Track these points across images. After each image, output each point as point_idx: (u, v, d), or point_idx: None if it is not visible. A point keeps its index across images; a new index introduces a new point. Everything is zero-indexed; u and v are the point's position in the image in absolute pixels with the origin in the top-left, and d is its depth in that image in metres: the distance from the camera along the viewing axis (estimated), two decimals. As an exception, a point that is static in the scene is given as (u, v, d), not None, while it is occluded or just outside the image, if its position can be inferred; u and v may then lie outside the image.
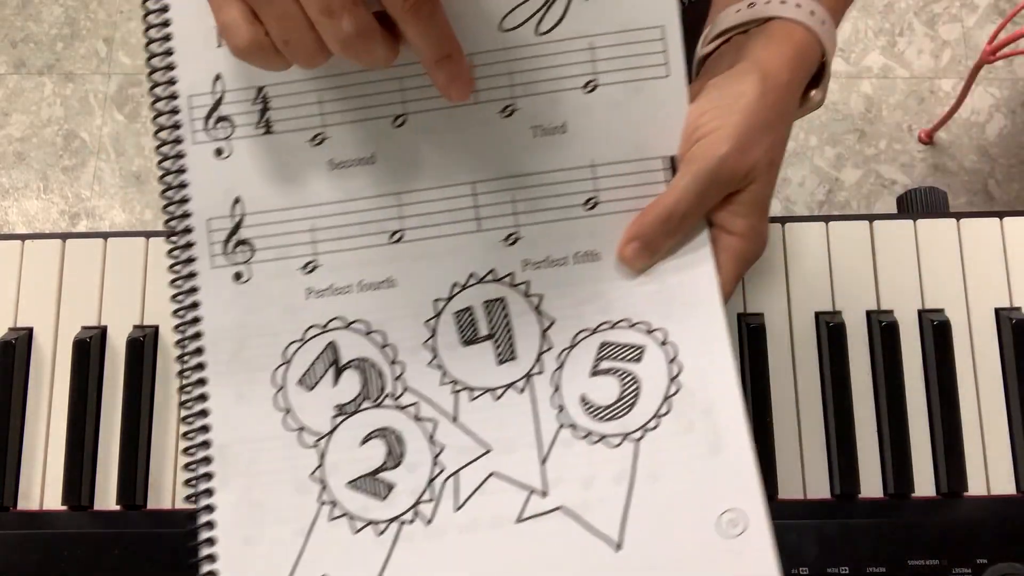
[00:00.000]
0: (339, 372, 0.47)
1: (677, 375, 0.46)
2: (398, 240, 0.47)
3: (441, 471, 0.46)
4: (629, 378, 0.46)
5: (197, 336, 0.47)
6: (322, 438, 0.46)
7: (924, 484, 0.56)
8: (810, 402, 0.57)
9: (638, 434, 0.45)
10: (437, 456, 0.46)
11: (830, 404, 0.57)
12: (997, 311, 0.58)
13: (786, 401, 0.57)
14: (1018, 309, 0.58)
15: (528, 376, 0.47)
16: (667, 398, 0.46)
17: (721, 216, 0.47)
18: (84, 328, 0.60)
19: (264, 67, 0.42)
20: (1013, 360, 0.57)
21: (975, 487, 0.56)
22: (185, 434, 0.47)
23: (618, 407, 0.46)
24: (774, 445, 0.56)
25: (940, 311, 0.58)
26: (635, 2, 0.47)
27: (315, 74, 0.47)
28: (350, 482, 0.46)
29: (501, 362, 0.47)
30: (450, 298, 0.47)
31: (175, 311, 0.47)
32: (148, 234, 0.61)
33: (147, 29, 0.48)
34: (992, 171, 1.65)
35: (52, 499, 0.57)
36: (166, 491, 0.58)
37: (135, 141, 1.63)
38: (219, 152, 0.47)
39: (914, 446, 0.56)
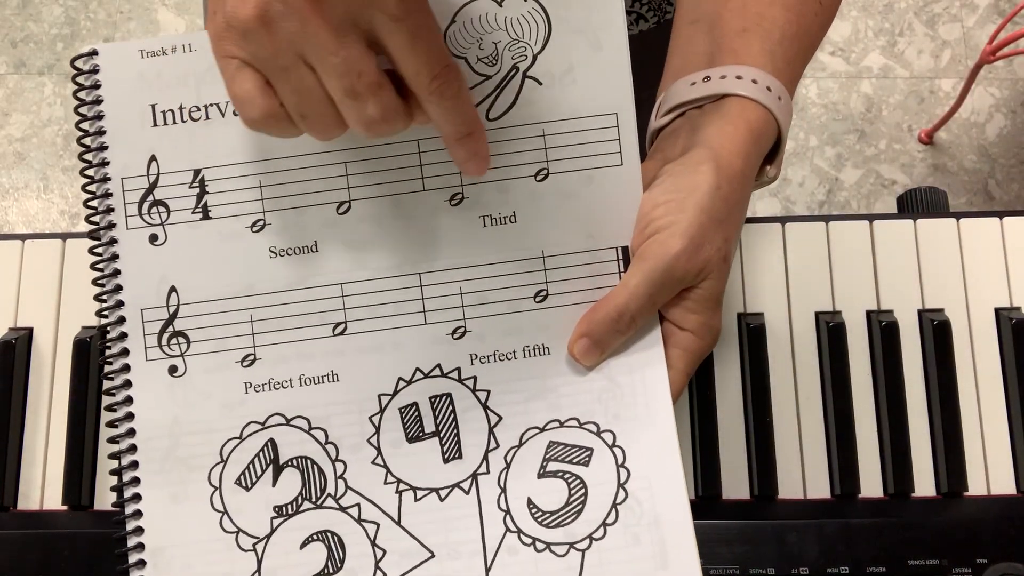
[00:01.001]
0: (278, 471, 0.45)
1: (625, 481, 0.45)
2: (341, 332, 0.45)
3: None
4: (576, 482, 0.45)
5: (131, 433, 0.45)
6: (260, 541, 0.45)
7: (924, 484, 0.56)
8: (810, 402, 0.57)
9: (584, 543, 0.44)
10: (379, 561, 0.44)
11: (830, 404, 0.57)
12: (997, 311, 0.58)
13: (786, 401, 0.57)
14: (1018, 309, 0.58)
15: (474, 476, 0.45)
16: (615, 505, 0.44)
17: (673, 313, 0.46)
18: (84, 328, 0.59)
19: (277, 135, 0.40)
20: (1013, 360, 0.57)
21: (975, 487, 0.56)
22: (118, 538, 0.45)
23: (565, 513, 0.44)
24: (774, 445, 0.56)
25: (940, 311, 0.58)
26: (588, 89, 0.45)
27: (255, 157, 0.45)
28: None
29: (447, 460, 0.45)
30: (395, 393, 0.46)
31: (107, 406, 0.45)
32: (148, 234, 0.61)
33: (77, 107, 0.45)
34: (992, 171, 1.65)
35: (52, 499, 0.57)
36: (166, 491, 0.58)
37: (135, 141, 1.63)
38: (154, 238, 0.45)
39: (914, 446, 0.56)
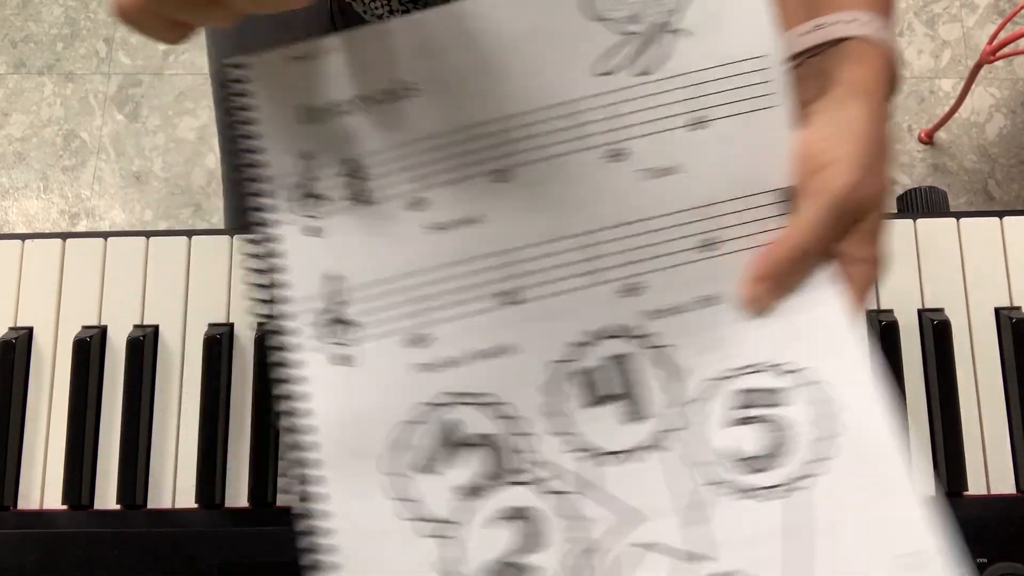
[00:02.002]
0: (457, 451, 0.44)
1: (827, 415, 0.43)
2: (509, 303, 0.44)
3: (589, 550, 0.42)
4: (773, 425, 0.43)
5: (311, 430, 0.43)
6: (447, 525, 0.43)
7: (924, 484, 0.56)
8: (810, 402, 0.57)
9: (801, 483, 0.42)
10: (582, 533, 0.42)
11: (830, 404, 0.57)
12: (997, 311, 0.58)
13: (786, 401, 0.57)
14: (1018, 309, 0.58)
15: (661, 434, 0.43)
16: (822, 441, 0.43)
17: (845, 246, 0.45)
18: (84, 328, 0.60)
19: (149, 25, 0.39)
20: (1013, 360, 0.57)
21: (975, 487, 0.56)
22: (305, 532, 0.43)
23: (769, 457, 0.43)
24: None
25: (940, 311, 0.58)
26: (734, 34, 0.45)
27: (405, 139, 0.45)
28: (481, 572, 0.42)
29: (630, 421, 0.44)
30: (570, 359, 0.44)
31: (284, 407, 0.43)
32: (148, 234, 0.61)
33: (230, 114, 0.46)
34: (992, 171, 1.65)
35: (52, 499, 0.57)
36: (166, 491, 0.58)
37: (135, 141, 1.62)
38: (315, 231, 0.45)
39: (914, 446, 0.56)
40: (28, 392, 0.59)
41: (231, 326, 0.59)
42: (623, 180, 0.45)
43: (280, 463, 0.50)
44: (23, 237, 0.61)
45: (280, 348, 0.44)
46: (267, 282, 0.44)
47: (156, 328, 0.60)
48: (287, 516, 0.56)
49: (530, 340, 0.44)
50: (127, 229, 1.55)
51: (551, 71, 0.45)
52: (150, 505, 0.57)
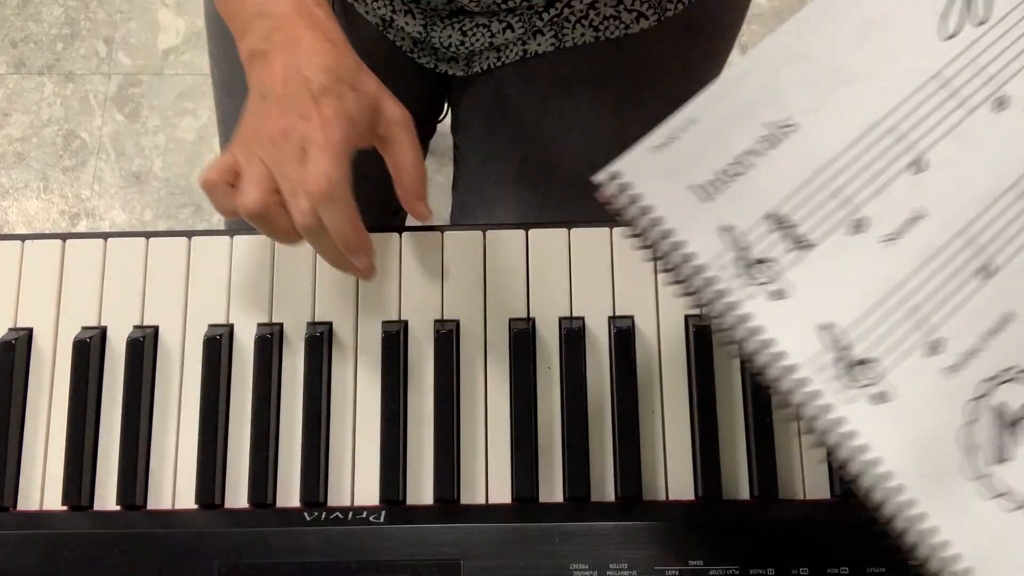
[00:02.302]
0: (1018, 429, 0.44)
1: None
2: (988, 275, 0.45)
3: None
4: None
5: (887, 476, 0.42)
6: None
7: (924, 484, 0.56)
8: (810, 402, 0.57)
9: None
10: None
11: (830, 404, 0.57)
12: (998, 311, 0.58)
13: (786, 401, 0.57)
14: (1018, 309, 0.58)
15: None
16: None
17: None
18: (84, 328, 0.59)
19: (269, 223, 0.53)
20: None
21: (975, 487, 0.56)
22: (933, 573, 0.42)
23: None
24: (774, 445, 0.56)
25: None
26: None
27: (811, 170, 0.45)
28: None
29: None
30: None
31: (850, 471, 0.42)
32: (148, 234, 0.61)
33: (631, 225, 0.44)
34: None
35: (52, 499, 0.57)
36: (166, 491, 0.58)
37: (135, 141, 1.62)
38: (778, 295, 0.44)
39: (914, 446, 0.56)
40: (28, 392, 0.59)
41: (231, 326, 0.59)
42: (1018, 121, 0.46)
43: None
44: (23, 238, 0.61)
45: (814, 417, 0.42)
46: (766, 360, 0.43)
47: (156, 328, 0.60)
48: (287, 516, 0.56)
49: (1022, 299, 0.45)
50: (127, 229, 1.55)
51: (906, 53, 0.45)
52: (150, 506, 0.57)
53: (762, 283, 0.44)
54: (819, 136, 0.45)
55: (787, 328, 0.43)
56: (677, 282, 0.45)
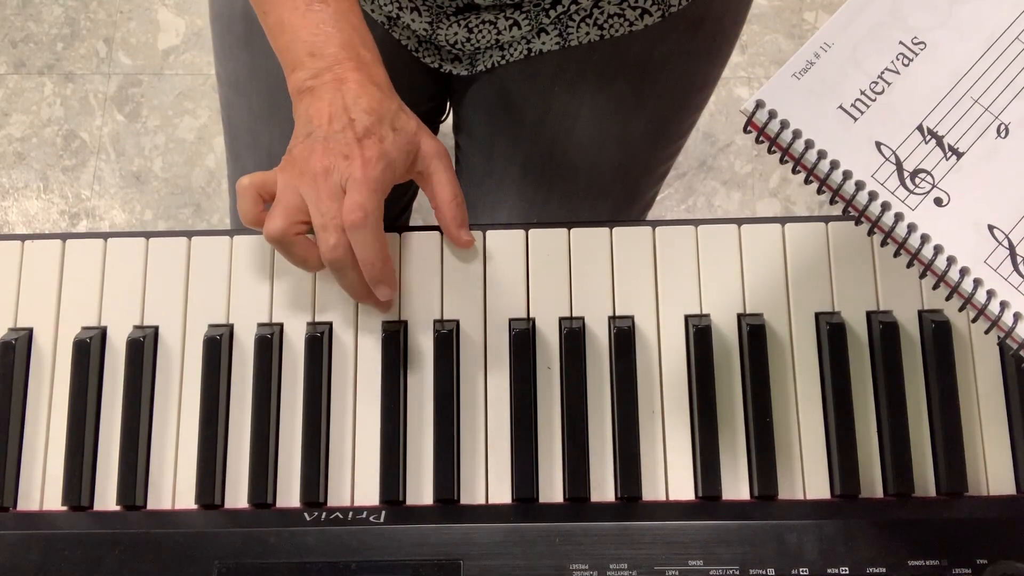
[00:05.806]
0: None
1: None
2: None
3: None
4: None
5: None
6: None
7: (924, 484, 0.56)
8: (810, 402, 0.57)
9: None
10: None
11: (830, 404, 0.57)
12: (997, 311, 0.58)
13: (786, 401, 0.57)
14: (1018, 309, 0.58)
15: None
16: None
17: None
18: (84, 328, 0.59)
19: (297, 254, 0.56)
20: (1013, 360, 0.57)
21: (975, 487, 0.56)
22: None
23: None
24: (774, 445, 0.56)
25: (940, 311, 0.58)
26: None
27: (950, 81, 0.47)
28: None
29: None
30: None
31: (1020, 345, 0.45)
32: (148, 234, 0.61)
33: (789, 153, 0.46)
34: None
35: (52, 499, 0.57)
36: (166, 491, 0.58)
37: (135, 141, 1.62)
38: (939, 202, 0.46)
39: (914, 446, 0.56)
40: (28, 393, 0.59)
41: (231, 326, 0.59)
42: None
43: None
44: (23, 238, 0.61)
45: (992, 313, 0.45)
46: (941, 268, 0.46)
47: (156, 329, 0.60)
48: (287, 517, 0.56)
49: None
50: (127, 229, 1.55)
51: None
52: (150, 506, 0.57)
53: (924, 192, 0.46)
54: (949, 51, 0.47)
55: (954, 231, 0.45)
56: (838, 200, 0.46)
